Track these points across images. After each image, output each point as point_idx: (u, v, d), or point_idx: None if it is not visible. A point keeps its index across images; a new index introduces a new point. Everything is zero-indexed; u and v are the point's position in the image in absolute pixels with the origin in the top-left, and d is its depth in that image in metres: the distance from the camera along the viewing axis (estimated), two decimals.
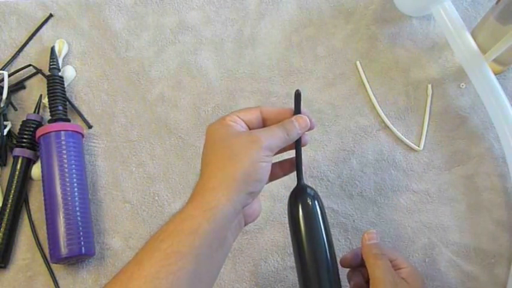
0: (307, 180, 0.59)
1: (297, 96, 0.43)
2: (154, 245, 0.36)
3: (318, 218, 0.44)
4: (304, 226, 0.43)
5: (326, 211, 0.59)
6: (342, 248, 0.57)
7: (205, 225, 0.36)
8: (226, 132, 0.41)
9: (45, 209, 0.56)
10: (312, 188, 0.46)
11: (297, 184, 0.46)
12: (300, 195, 0.45)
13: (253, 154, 0.39)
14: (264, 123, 0.43)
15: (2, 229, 0.56)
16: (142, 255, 0.36)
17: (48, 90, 0.60)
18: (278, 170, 0.47)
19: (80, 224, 0.54)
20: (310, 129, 0.44)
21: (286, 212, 0.45)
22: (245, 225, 0.44)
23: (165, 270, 0.34)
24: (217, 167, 0.39)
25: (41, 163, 0.57)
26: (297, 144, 0.45)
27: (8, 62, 0.64)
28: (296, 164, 0.46)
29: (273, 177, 0.46)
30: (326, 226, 0.44)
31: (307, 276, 0.43)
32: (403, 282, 0.44)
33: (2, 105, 0.61)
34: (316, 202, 0.44)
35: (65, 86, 0.62)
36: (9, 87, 0.62)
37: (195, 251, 0.35)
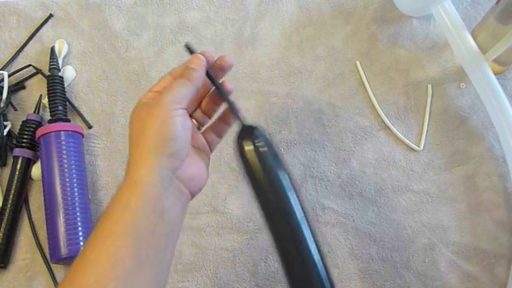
0: (307, 181, 0.59)
1: (187, 47, 0.43)
2: (94, 233, 0.34)
3: (275, 157, 0.40)
4: (263, 170, 0.39)
5: (326, 211, 0.59)
6: (342, 248, 0.57)
7: (133, 200, 0.35)
8: (139, 109, 0.39)
9: (45, 209, 0.56)
10: (259, 127, 0.41)
11: (241, 127, 0.42)
12: (246, 136, 0.41)
13: (159, 113, 0.37)
14: None
15: (2, 229, 0.56)
16: (85, 246, 0.34)
17: (48, 91, 0.60)
18: (211, 134, 0.45)
19: (80, 224, 0.54)
20: (221, 67, 0.43)
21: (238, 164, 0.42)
22: (192, 193, 0.40)
23: (105, 254, 0.32)
24: (133, 141, 0.38)
25: (41, 163, 0.57)
26: (218, 88, 0.43)
27: (8, 62, 0.64)
28: (230, 108, 0.42)
29: (210, 144, 0.45)
30: (286, 169, 0.40)
31: (277, 225, 0.39)
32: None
33: (2, 106, 0.61)
34: (269, 142, 0.40)
35: (65, 86, 0.62)
36: (9, 88, 0.62)
37: (130, 227, 0.34)
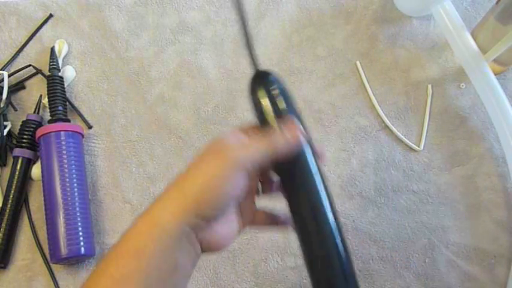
0: None
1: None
2: (102, 269, 0.32)
3: (289, 103, 0.37)
4: (275, 117, 0.36)
5: None
6: None
7: (150, 245, 0.32)
8: (216, 145, 0.34)
9: (45, 209, 0.56)
10: (273, 73, 0.38)
11: (256, 72, 0.38)
12: (260, 82, 0.38)
13: (214, 167, 0.33)
14: None
15: (2, 229, 0.56)
16: (90, 283, 0.32)
17: (48, 91, 0.60)
18: (265, 217, 0.40)
19: (80, 224, 0.54)
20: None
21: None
22: (209, 252, 0.36)
23: None
24: (183, 174, 0.33)
25: (41, 163, 0.57)
26: (245, 27, 0.38)
27: (8, 62, 0.64)
28: (248, 50, 0.38)
29: (255, 220, 0.40)
30: (297, 113, 0.37)
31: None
32: None
33: (2, 106, 0.61)
34: (282, 88, 0.37)
35: (65, 86, 0.62)
36: (9, 88, 0.62)
37: (142, 274, 0.31)
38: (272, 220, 0.41)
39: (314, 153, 0.37)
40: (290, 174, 0.36)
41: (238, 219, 0.38)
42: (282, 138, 0.35)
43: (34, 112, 0.61)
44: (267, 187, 0.40)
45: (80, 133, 0.59)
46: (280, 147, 0.34)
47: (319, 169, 0.37)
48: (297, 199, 0.37)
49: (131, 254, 0.32)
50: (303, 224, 0.36)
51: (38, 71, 0.64)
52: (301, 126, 0.36)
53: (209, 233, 0.35)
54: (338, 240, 0.35)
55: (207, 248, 0.35)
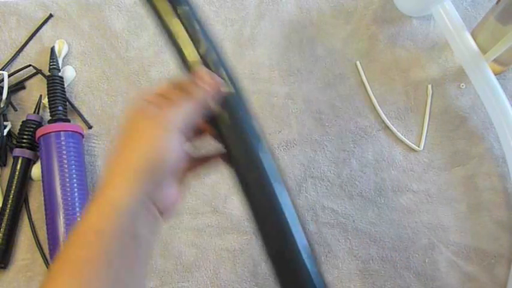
0: (306, 181, 0.59)
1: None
2: (67, 253, 0.33)
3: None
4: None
5: (326, 211, 0.59)
6: (342, 249, 0.57)
7: (107, 225, 0.33)
8: (136, 116, 0.36)
9: (45, 210, 0.56)
10: None
11: None
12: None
13: (155, 133, 0.34)
14: None
15: (2, 229, 0.56)
16: (56, 268, 0.32)
17: (48, 91, 0.60)
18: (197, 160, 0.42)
19: None
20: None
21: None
22: (166, 215, 0.38)
23: (77, 281, 0.31)
24: (119, 152, 0.35)
25: (41, 163, 0.57)
26: None
27: (8, 62, 0.64)
28: None
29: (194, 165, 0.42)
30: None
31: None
32: None
33: (2, 106, 0.61)
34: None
35: (65, 86, 0.62)
36: (9, 88, 0.62)
37: (104, 254, 0.32)
38: (204, 160, 0.43)
39: (239, 93, 0.39)
40: (218, 122, 0.37)
41: (179, 174, 0.40)
42: (200, 93, 0.37)
43: (34, 112, 0.61)
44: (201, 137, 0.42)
45: (80, 133, 0.59)
46: (202, 102, 0.37)
47: (246, 110, 0.38)
48: (231, 143, 0.38)
49: (90, 234, 0.33)
50: (240, 170, 0.38)
51: (38, 71, 0.64)
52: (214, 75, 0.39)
53: (161, 194, 0.36)
54: (275, 179, 0.36)
55: (163, 209, 0.37)
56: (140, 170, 0.34)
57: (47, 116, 0.60)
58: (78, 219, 0.55)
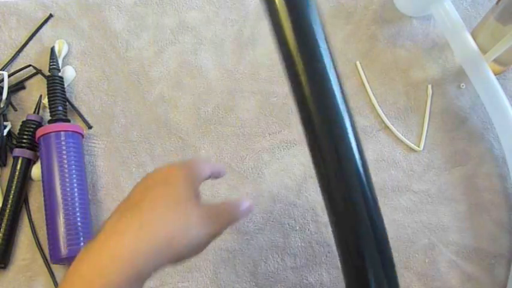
0: (306, 181, 0.59)
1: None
2: None
3: None
4: None
5: (326, 212, 0.59)
6: None
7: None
8: (187, 188, 0.38)
9: (45, 209, 0.56)
10: None
11: None
12: None
13: (194, 232, 0.36)
14: None
15: (2, 229, 0.56)
16: None
17: (48, 91, 0.60)
18: None
19: (80, 224, 0.54)
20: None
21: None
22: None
23: None
24: (153, 212, 0.35)
25: (41, 163, 0.57)
26: None
27: (7, 63, 0.64)
28: None
29: None
30: None
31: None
32: None
33: (2, 106, 0.61)
34: None
35: (65, 86, 0.62)
36: (9, 88, 0.62)
37: None
38: None
39: None
40: None
41: None
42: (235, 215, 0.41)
43: (34, 112, 0.61)
44: None
45: (80, 133, 0.59)
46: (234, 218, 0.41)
47: None
48: None
49: None
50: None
51: (38, 71, 0.64)
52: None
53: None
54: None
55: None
56: (160, 252, 0.34)
57: (47, 116, 0.60)
58: (79, 223, 0.54)
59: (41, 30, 0.66)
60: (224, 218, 0.40)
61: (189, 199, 0.38)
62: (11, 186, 0.57)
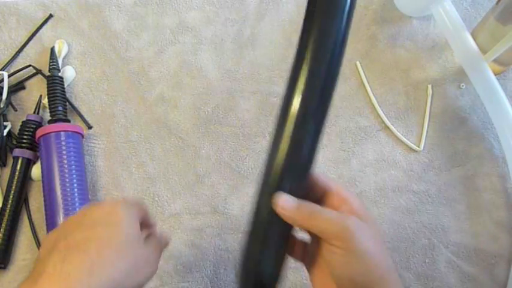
0: None
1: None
2: None
3: None
4: None
5: None
6: None
7: None
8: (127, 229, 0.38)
9: (45, 210, 0.55)
10: None
11: None
12: None
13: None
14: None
15: (2, 229, 0.56)
16: None
17: (48, 91, 0.60)
18: None
19: None
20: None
21: None
22: None
23: None
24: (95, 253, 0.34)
25: (41, 163, 0.57)
26: None
27: (7, 63, 0.64)
28: None
29: None
30: None
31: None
32: (362, 224, 0.35)
33: (2, 106, 0.61)
34: None
35: (65, 86, 0.62)
36: (9, 88, 0.62)
37: None
38: None
39: None
40: None
41: None
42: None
43: (34, 112, 0.61)
44: None
45: (80, 133, 0.59)
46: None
47: None
48: None
49: None
50: None
51: (38, 71, 0.64)
52: None
53: None
54: None
55: None
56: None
57: (47, 116, 0.60)
58: None
59: (41, 30, 0.66)
60: (160, 251, 0.42)
61: (136, 240, 0.38)
62: (11, 186, 0.57)
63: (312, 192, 0.38)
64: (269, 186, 0.36)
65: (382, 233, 0.37)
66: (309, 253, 0.39)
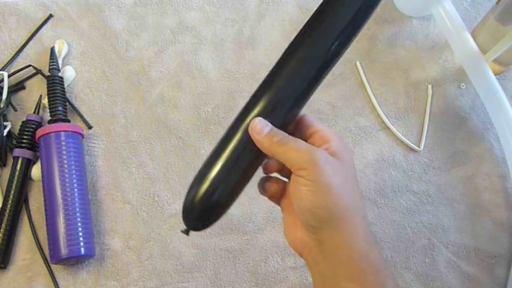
0: None
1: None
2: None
3: None
4: None
5: None
6: None
7: None
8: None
9: (45, 210, 0.56)
10: None
11: None
12: None
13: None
14: None
15: (2, 230, 0.56)
16: None
17: (48, 91, 0.60)
18: None
19: (80, 224, 0.54)
20: None
21: None
22: None
23: None
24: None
25: (41, 164, 0.57)
26: None
27: (7, 63, 0.64)
28: None
29: None
30: None
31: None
32: (332, 159, 0.36)
33: (1, 106, 0.61)
34: None
35: (65, 86, 0.62)
36: (9, 88, 0.62)
37: None
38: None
39: None
40: None
41: None
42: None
43: (34, 112, 0.61)
44: None
45: (80, 133, 0.59)
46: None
47: None
48: None
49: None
50: None
51: (38, 71, 0.64)
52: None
53: None
54: None
55: None
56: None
57: (47, 116, 0.60)
58: (79, 223, 0.55)
59: (41, 30, 0.66)
60: None
61: None
62: (11, 186, 0.57)
63: (297, 132, 0.39)
64: (249, 111, 0.38)
65: (356, 177, 0.38)
66: (279, 183, 0.40)
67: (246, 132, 0.37)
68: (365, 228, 0.36)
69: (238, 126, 0.38)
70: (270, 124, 0.37)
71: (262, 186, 0.41)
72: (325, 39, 0.37)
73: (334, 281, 0.35)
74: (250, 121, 0.37)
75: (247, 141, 0.37)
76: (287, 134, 0.37)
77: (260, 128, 0.36)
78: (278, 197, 0.41)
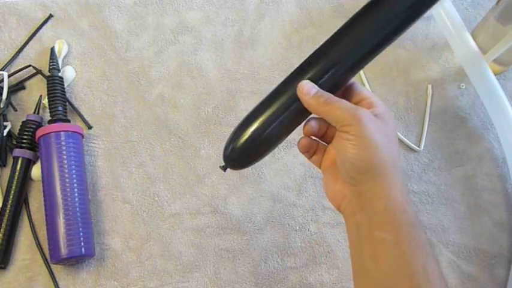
0: (306, 181, 0.59)
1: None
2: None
3: None
4: None
5: (326, 211, 0.59)
6: (342, 249, 0.57)
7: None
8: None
9: (45, 210, 0.56)
10: None
11: None
12: None
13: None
14: None
15: (2, 230, 0.56)
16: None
17: (48, 91, 0.60)
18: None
19: (80, 224, 0.54)
20: None
21: None
22: None
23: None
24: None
25: (41, 164, 0.57)
26: None
27: (7, 63, 0.64)
28: None
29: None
30: None
31: None
32: (375, 119, 0.39)
33: (1, 106, 0.61)
34: None
35: (65, 86, 0.62)
36: (9, 88, 0.62)
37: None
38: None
39: None
40: None
41: None
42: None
43: (34, 112, 0.61)
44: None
45: (80, 133, 0.59)
46: None
47: None
48: None
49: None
50: None
51: (38, 71, 0.64)
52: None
53: None
54: None
55: None
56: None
57: (47, 116, 0.60)
58: (79, 223, 0.55)
59: (41, 30, 0.66)
60: None
61: None
62: (11, 186, 0.57)
63: (346, 97, 0.42)
64: (302, 74, 0.41)
65: (397, 139, 0.41)
66: (320, 148, 0.44)
67: (295, 92, 0.40)
68: (402, 185, 0.39)
69: (290, 83, 0.41)
70: (316, 86, 0.40)
71: (303, 144, 0.44)
72: (390, 12, 0.43)
73: (368, 231, 0.38)
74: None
75: (296, 99, 0.40)
76: (332, 95, 0.40)
77: (307, 89, 0.39)
78: (311, 153, 0.45)
